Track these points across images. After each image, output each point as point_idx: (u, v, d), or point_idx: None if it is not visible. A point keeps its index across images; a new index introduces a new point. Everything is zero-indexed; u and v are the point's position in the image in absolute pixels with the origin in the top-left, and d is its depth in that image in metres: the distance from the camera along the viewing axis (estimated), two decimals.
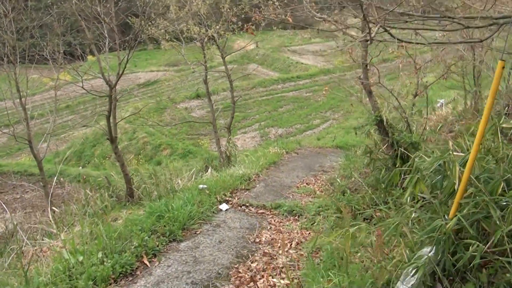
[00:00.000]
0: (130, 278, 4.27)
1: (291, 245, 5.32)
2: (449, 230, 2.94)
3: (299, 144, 15.63)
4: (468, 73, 10.31)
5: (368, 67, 6.29)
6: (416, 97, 8.72)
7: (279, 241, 5.45)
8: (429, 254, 3.07)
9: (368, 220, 5.43)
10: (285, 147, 13.72)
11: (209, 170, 9.46)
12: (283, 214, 6.60)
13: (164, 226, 5.31)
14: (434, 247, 3.08)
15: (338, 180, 7.19)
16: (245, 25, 6.18)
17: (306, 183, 8.98)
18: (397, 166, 5.82)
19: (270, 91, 31.63)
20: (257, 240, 5.48)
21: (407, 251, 3.31)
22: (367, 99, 6.49)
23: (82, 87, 6.75)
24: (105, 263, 4.22)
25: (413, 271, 3.07)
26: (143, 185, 7.28)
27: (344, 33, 6.46)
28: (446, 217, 3.13)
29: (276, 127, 26.20)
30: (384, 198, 5.59)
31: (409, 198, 3.53)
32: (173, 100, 26.59)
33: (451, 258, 3.00)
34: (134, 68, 40.97)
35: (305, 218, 6.37)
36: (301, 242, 5.40)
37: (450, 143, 4.25)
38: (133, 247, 4.60)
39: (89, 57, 21.62)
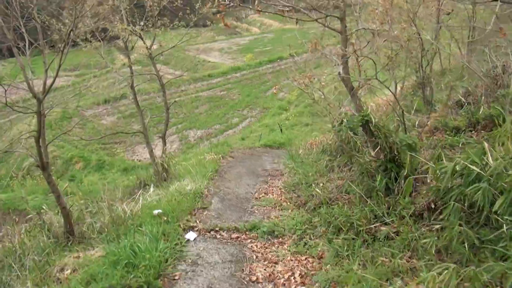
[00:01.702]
0: None
1: (295, 279, 4.42)
2: None
3: (230, 147, 14.78)
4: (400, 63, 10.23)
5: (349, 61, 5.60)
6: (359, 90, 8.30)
7: (279, 275, 4.51)
8: None
9: (373, 238, 4.73)
10: (220, 151, 12.76)
11: (152, 188, 8.11)
12: (262, 237, 5.64)
13: (137, 276, 4.03)
14: None
15: (318, 190, 6.38)
16: (218, 15, 5.11)
17: (264, 193, 8.11)
18: (393, 171, 5.20)
19: (184, 92, 30.04)
20: (253, 278, 4.47)
21: None
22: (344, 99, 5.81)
23: (6, 104, 5.05)
24: None
25: None
26: (89, 219, 5.77)
27: (319, 22, 5.70)
28: None
29: (194, 129, 24.87)
30: (386, 209, 4.94)
31: None
32: (80, 107, 23.76)
33: None
34: (32, 75, 36.42)
35: (291, 239, 5.49)
36: (305, 273, 4.52)
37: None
38: None
39: None
